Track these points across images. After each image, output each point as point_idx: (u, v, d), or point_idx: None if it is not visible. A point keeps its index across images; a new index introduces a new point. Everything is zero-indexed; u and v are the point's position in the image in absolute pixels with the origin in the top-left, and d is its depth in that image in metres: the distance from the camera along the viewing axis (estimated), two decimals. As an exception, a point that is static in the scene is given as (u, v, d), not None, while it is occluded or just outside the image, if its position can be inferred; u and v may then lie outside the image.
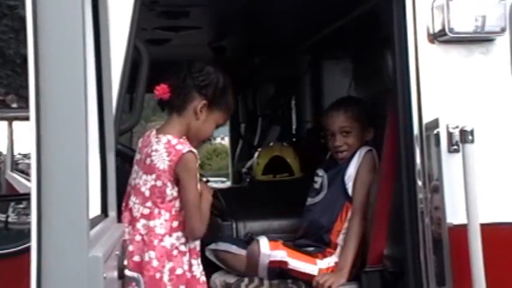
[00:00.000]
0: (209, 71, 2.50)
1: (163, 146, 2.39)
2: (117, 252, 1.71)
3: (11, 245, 1.89)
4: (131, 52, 2.38)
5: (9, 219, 2.01)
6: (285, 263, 2.73)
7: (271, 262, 2.72)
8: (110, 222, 1.90)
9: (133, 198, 2.42)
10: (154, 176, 2.38)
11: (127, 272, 1.77)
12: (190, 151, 2.38)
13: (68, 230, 1.31)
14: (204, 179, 3.06)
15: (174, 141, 2.39)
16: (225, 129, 5.85)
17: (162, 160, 2.37)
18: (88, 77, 1.85)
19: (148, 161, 2.40)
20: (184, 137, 2.43)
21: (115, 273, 1.68)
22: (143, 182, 2.40)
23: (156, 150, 2.39)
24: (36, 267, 1.28)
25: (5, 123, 1.85)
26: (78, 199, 1.33)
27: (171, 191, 2.38)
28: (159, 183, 2.38)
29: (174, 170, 2.36)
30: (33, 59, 1.37)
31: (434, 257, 2.43)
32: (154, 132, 2.49)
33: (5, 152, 1.98)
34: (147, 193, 2.39)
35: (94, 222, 1.67)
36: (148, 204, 2.39)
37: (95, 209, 1.88)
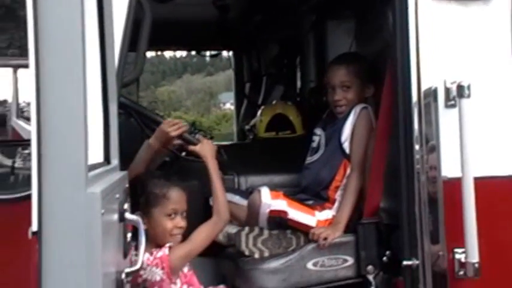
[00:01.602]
0: None
1: (146, 264, 2.36)
2: (118, 196, 1.78)
3: (17, 190, 1.97)
4: (134, 8, 2.42)
5: (16, 165, 2.09)
6: (285, 212, 2.80)
7: (271, 211, 2.78)
8: (112, 168, 1.97)
9: None
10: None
11: (127, 215, 1.85)
12: (169, 247, 2.41)
13: (67, 169, 1.38)
14: (208, 136, 3.11)
15: (150, 256, 2.39)
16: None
17: (154, 274, 2.38)
18: (89, 30, 1.91)
19: (139, 280, 2.37)
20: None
21: (115, 216, 1.75)
22: None
23: (143, 268, 2.35)
24: (38, 204, 1.35)
25: (9, 70, 1.90)
26: (76, 139, 1.40)
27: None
28: None
29: (170, 271, 2.39)
30: (32, 12, 1.42)
31: (429, 212, 2.49)
32: None
33: (10, 99, 2.04)
34: None
35: (95, 167, 1.74)
36: None
37: (97, 157, 1.96)
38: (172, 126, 2.63)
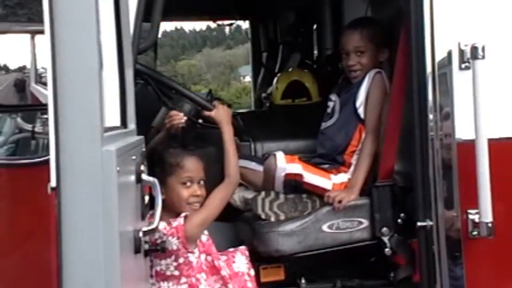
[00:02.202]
0: None
1: (162, 234, 2.37)
2: (134, 157, 1.83)
3: (37, 155, 2.03)
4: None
5: (35, 130, 2.16)
6: (300, 175, 2.83)
7: (287, 175, 2.82)
8: (129, 132, 2.02)
9: (164, 284, 2.42)
10: (173, 257, 2.42)
11: (144, 177, 1.90)
12: (185, 216, 2.42)
13: (83, 127, 1.43)
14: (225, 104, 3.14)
15: (167, 226, 2.40)
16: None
17: (170, 243, 2.40)
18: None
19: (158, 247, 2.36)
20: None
21: (132, 176, 1.81)
22: (165, 266, 2.42)
23: (160, 237, 2.38)
24: (56, 161, 1.41)
25: (27, 36, 1.95)
26: (92, 99, 1.45)
27: (195, 258, 2.45)
28: (181, 259, 2.43)
29: (186, 241, 2.41)
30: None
31: (443, 175, 2.50)
32: None
33: (28, 65, 2.10)
34: (177, 273, 2.42)
35: (112, 129, 1.80)
36: (183, 280, 2.43)
37: (114, 121, 2.01)
38: (168, 118, 2.67)
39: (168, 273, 2.43)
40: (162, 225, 2.38)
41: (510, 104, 2.53)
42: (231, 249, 2.66)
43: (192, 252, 2.46)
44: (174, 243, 2.41)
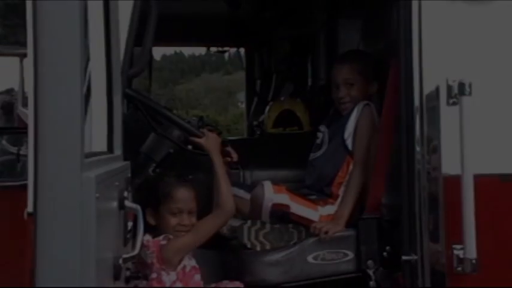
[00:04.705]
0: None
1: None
2: (117, 183, 1.83)
3: (22, 178, 2.03)
4: (140, 3, 2.48)
5: (21, 152, 2.17)
6: (287, 206, 2.83)
7: (274, 205, 2.82)
8: (114, 158, 2.02)
9: None
10: (147, 270, 2.45)
11: (127, 203, 1.90)
12: (166, 236, 2.46)
13: (63, 153, 1.43)
14: (216, 131, 3.15)
15: (150, 239, 2.46)
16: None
17: (146, 256, 2.43)
18: (94, 24, 1.97)
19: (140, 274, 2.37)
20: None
21: (114, 202, 1.80)
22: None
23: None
24: (33, 186, 1.41)
25: (16, 59, 1.96)
26: (72, 125, 1.45)
27: (168, 279, 2.46)
28: (154, 275, 2.45)
29: (161, 259, 2.44)
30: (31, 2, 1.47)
31: (429, 209, 2.50)
32: None
33: (16, 88, 2.10)
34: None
35: (95, 154, 1.80)
36: None
37: (100, 146, 2.01)
38: None
39: (140, 285, 2.42)
40: (147, 237, 2.44)
41: (496, 140, 2.54)
42: (225, 281, 2.66)
43: (167, 273, 2.46)
44: (149, 256, 2.44)
